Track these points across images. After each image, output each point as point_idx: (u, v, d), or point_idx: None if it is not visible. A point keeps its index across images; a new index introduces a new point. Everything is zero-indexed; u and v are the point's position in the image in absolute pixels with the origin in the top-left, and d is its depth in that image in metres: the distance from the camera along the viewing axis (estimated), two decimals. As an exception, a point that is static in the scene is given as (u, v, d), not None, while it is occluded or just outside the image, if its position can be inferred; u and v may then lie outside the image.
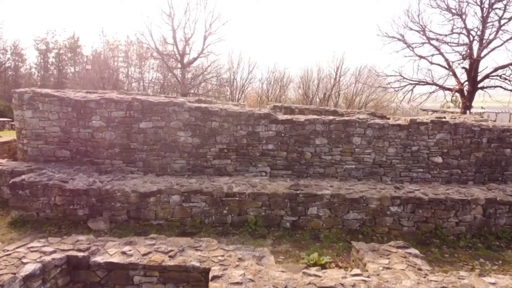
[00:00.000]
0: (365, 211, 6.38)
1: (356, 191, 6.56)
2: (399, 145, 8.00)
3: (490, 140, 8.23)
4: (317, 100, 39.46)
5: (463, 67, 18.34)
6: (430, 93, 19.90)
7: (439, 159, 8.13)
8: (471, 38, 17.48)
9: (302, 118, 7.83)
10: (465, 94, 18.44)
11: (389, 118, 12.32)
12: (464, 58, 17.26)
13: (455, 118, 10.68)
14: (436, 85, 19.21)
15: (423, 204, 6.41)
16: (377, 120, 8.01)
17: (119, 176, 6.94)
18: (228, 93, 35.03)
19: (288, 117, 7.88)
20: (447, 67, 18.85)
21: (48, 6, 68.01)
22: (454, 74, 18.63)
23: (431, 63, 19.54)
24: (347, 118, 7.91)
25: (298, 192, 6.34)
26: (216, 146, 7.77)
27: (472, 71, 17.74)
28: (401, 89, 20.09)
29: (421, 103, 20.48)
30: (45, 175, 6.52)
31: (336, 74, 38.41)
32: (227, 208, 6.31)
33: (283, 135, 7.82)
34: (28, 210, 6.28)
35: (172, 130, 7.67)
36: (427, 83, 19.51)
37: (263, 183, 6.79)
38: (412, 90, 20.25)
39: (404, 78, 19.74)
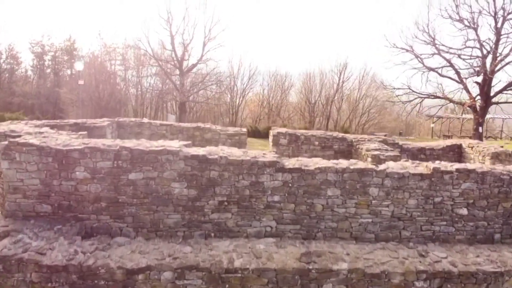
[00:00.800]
0: (386, 287, 5.55)
1: (376, 262, 5.73)
2: (421, 196, 7.15)
3: (521, 188, 7.39)
4: (320, 105, 38.62)
5: (475, 82, 17.47)
6: (440, 107, 19.05)
7: (464, 211, 7.28)
8: (485, 52, 16.59)
9: (312, 166, 6.97)
10: (478, 109, 17.58)
11: (401, 145, 11.49)
12: (477, 74, 16.35)
13: (472, 146, 9.83)
14: (447, 99, 18.35)
15: (452, 278, 5.58)
16: (397, 169, 7.13)
17: (104, 243, 6.06)
18: (228, 99, 34.17)
19: (296, 165, 7.02)
20: (458, 80, 17.98)
21: (44, 10, 66.96)
22: (466, 89, 17.76)
23: (441, 75, 18.66)
24: (363, 166, 7.04)
25: (310, 267, 5.49)
26: (215, 198, 6.92)
27: (485, 86, 16.87)
28: (410, 102, 19.25)
29: (431, 118, 19.62)
30: (20, 244, 5.69)
31: (339, 79, 37.52)
32: (227, 286, 5.47)
33: (290, 185, 6.97)
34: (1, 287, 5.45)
35: (166, 181, 6.82)
36: (437, 97, 18.66)
37: (269, 251, 5.95)
38: (420, 103, 19.41)
39: (413, 91, 18.88)
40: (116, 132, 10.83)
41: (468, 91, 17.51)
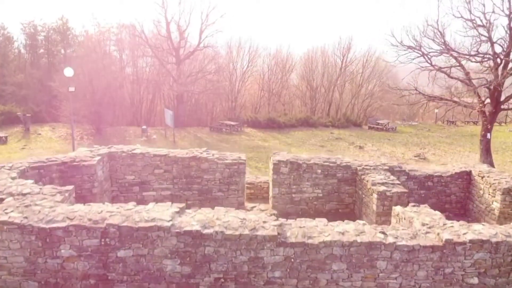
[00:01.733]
0: None
1: None
2: (431, 268, 6.69)
3: (538, 257, 6.91)
4: (322, 89, 37.63)
5: (485, 85, 16.64)
6: (447, 110, 18.30)
7: (475, 280, 6.85)
8: (497, 59, 15.64)
9: (316, 240, 6.46)
10: (487, 115, 16.86)
11: (408, 173, 10.96)
12: (490, 84, 15.48)
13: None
14: (455, 102, 17.56)
15: None
16: (406, 242, 6.61)
17: None
18: (227, 85, 33.16)
19: (299, 236, 6.51)
20: (467, 82, 17.12)
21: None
22: (475, 92, 16.93)
23: (450, 76, 17.80)
24: (371, 239, 6.51)
25: None
26: (211, 275, 6.46)
27: (495, 92, 16.06)
28: (416, 104, 18.49)
29: (439, 119, 18.86)
30: None
31: (342, 63, 36.34)
32: None
33: (292, 260, 6.49)
34: None
35: (157, 258, 6.34)
36: (444, 99, 17.87)
37: None
38: (427, 103, 18.65)
39: (419, 93, 18.06)
40: (108, 165, 10.25)
41: (478, 95, 16.72)
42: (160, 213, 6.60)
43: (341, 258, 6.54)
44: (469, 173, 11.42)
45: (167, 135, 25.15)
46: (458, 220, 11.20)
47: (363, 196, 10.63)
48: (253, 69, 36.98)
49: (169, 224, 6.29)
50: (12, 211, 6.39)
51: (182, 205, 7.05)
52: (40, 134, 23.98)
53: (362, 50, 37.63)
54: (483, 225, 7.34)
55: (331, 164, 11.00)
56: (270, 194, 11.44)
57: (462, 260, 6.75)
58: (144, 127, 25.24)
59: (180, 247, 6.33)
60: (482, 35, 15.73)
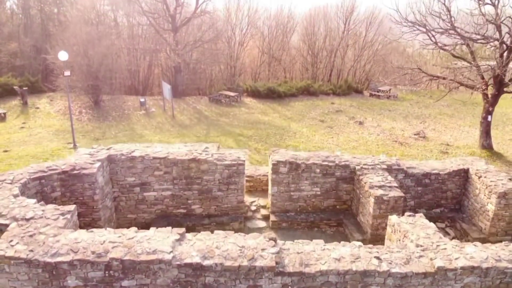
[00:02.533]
0: None
1: None
2: (420, 280, 6.98)
3: (525, 281, 7.17)
4: (324, 52, 36.73)
5: (488, 65, 16.29)
6: (449, 90, 18.02)
7: (465, 300, 7.17)
8: (503, 44, 15.16)
9: (313, 268, 6.68)
10: (489, 97, 16.65)
11: (406, 171, 11.07)
12: (494, 71, 15.12)
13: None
14: (458, 82, 17.26)
15: None
16: (399, 269, 6.83)
17: None
18: (226, 51, 32.30)
19: (297, 264, 6.73)
20: (472, 62, 16.73)
21: None
22: (479, 72, 16.60)
23: (453, 55, 17.38)
24: (365, 267, 6.73)
25: None
26: (212, 300, 6.77)
27: (499, 75, 15.73)
28: (418, 83, 18.19)
29: (437, 100, 18.68)
30: None
31: (345, 25, 35.19)
32: None
33: (290, 287, 6.76)
34: None
35: (160, 285, 6.60)
36: (447, 79, 17.56)
37: None
38: (429, 82, 18.36)
39: (422, 71, 17.69)
40: (108, 168, 10.30)
41: (481, 76, 16.38)
42: (161, 242, 6.78)
43: (337, 285, 6.81)
44: (466, 171, 11.51)
45: (165, 107, 24.96)
46: (452, 218, 11.52)
47: (361, 196, 10.80)
48: (253, 31, 35.88)
49: (170, 256, 6.48)
50: (17, 243, 6.55)
51: (182, 230, 7.21)
52: (38, 108, 23.82)
53: (366, 11, 36.00)
54: (475, 245, 7.54)
55: (330, 164, 11.06)
56: (269, 191, 11.61)
57: (452, 284, 7.03)
58: (142, 100, 24.98)
59: (181, 277, 6.58)
60: (488, 19, 15.17)
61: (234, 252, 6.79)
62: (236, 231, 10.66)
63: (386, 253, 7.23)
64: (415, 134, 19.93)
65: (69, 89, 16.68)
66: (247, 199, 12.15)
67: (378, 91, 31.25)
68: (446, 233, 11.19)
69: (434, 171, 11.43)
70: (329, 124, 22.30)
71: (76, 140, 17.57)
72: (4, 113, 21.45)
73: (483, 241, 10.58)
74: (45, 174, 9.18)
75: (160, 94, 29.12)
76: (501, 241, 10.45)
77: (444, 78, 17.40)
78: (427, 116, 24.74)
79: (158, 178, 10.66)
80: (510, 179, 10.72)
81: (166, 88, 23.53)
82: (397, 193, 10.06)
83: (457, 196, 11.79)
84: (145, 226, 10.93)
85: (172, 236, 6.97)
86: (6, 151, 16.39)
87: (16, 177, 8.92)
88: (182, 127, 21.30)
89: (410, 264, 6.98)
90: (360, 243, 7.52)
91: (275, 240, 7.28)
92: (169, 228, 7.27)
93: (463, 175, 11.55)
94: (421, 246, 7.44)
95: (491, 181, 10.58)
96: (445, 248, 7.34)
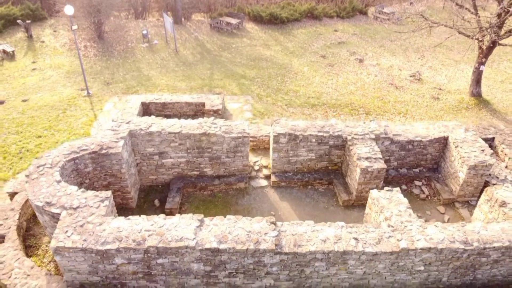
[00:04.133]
0: None
1: None
2: (388, 263, 9.01)
3: (470, 254, 9.13)
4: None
5: (487, 18, 16.49)
6: (447, 38, 18.30)
7: (421, 268, 9.25)
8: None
9: (304, 249, 8.60)
10: (483, 48, 17.12)
11: (391, 139, 12.51)
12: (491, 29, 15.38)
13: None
14: (459, 31, 17.52)
15: None
16: (371, 249, 8.73)
17: None
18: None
19: (292, 245, 8.63)
20: (473, 11, 16.85)
21: None
22: (478, 22, 16.81)
23: (456, 3, 17.37)
24: (345, 248, 8.62)
25: None
26: (226, 270, 8.84)
27: (495, 26, 16.02)
28: (419, 30, 18.40)
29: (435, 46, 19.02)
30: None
31: None
32: None
33: (286, 261, 8.77)
34: None
35: (186, 262, 8.62)
36: (447, 26, 17.76)
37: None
38: (430, 29, 18.58)
39: (424, 18, 17.82)
40: (130, 142, 11.70)
41: (480, 27, 16.59)
42: (185, 229, 8.59)
43: (322, 260, 8.80)
44: (446, 138, 12.91)
45: (168, 39, 25.10)
46: (429, 177, 13.17)
47: (349, 163, 12.40)
48: None
49: (193, 243, 8.35)
50: (72, 233, 8.38)
51: (201, 216, 8.98)
52: (43, 42, 24.07)
53: None
54: (436, 226, 9.37)
55: (324, 134, 12.44)
56: (271, 156, 13.17)
57: (413, 258, 9.01)
58: (144, 32, 24.99)
59: (202, 256, 8.54)
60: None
61: (243, 236, 8.65)
62: (242, 190, 12.64)
63: (363, 233, 9.09)
64: (410, 76, 20.71)
65: (73, 21, 16.81)
66: (251, 158, 13.79)
67: (381, 13, 30.65)
68: (421, 191, 13.07)
69: (417, 138, 12.83)
70: (330, 61, 22.84)
71: (88, 85, 18.52)
72: (13, 51, 21.90)
73: (452, 201, 12.60)
74: (78, 155, 10.66)
75: (160, 16, 28.78)
76: (467, 201, 12.48)
77: (445, 25, 17.59)
78: (426, 49, 25.01)
79: (173, 148, 12.14)
80: (482, 150, 12.21)
81: (168, 21, 23.46)
82: (381, 165, 11.64)
83: (436, 158, 13.38)
84: (164, 184, 12.83)
85: (193, 223, 8.77)
86: (24, 100, 17.53)
87: (54, 160, 10.42)
88: (186, 66, 21.94)
89: (381, 244, 8.89)
90: (343, 223, 9.33)
91: (275, 224, 9.11)
92: (191, 214, 9.02)
93: (443, 142, 12.98)
94: (392, 227, 9.28)
95: (465, 152, 12.08)
96: (410, 229, 9.18)
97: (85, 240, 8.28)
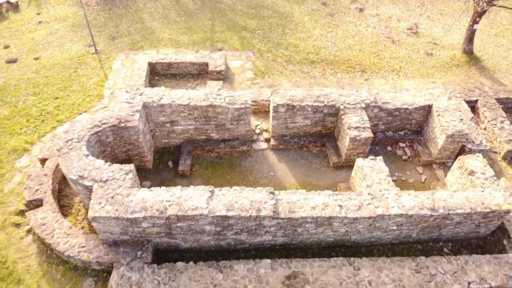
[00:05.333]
0: None
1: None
2: (367, 224, 10.90)
3: (436, 218, 10.97)
4: None
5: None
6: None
7: (394, 227, 11.17)
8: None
9: (297, 215, 10.42)
10: (479, 10, 17.49)
11: (380, 107, 13.82)
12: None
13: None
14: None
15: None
16: (352, 214, 10.56)
17: (171, 272, 10.41)
18: None
19: (286, 215, 10.43)
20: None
21: None
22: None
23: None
24: (331, 214, 10.43)
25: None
26: (232, 230, 10.77)
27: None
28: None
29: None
30: (125, 279, 10.11)
31: None
32: None
33: (281, 224, 10.65)
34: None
35: (201, 225, 10.51)
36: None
37: (267, 272, 10.36)
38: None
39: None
40: (144, 112, 12.99)
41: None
42: (199, 199, 10.33)
43: (311, 223, 10.67)
44: (430, 106, 14.16)
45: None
46: (412, 139, 14.65)
47: (341, 129, 13.82)
48: None
49: (206, 211, 10.14)
50: (105, 204, 10.13)
51: (211, 188, 10.68)
52: (43, -13, 23.92)
53: None
54: (409, 194, 11.09)
55: (319, 104, 13.68)
56: (270, 122, 14.53)
57: (387, 221, 10.88)
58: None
59: (214, 221, 10.39)
60: None
61: (246, 205, 10.43)
62: (244, 152, 14.26)
63: (346, 200, 10.86)
64: (408, 29, 21.14)
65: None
66: (252, 122, 15.17)
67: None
68: (404, 152, 14.67)
69: (404, 106, 14.08)
70: (331, 10, 22.97)
71: (95, 40, 19.17)
72: (17, 2, 22.01)
73: (430, 162, 14.25)
74: (99, 129, 12.06)
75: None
76: (444, 163, 14.11)
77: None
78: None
79: (183, 118, 13.48)
80: (461, 119, 13.55)
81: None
82: (368, 134, 13.07)
83: (420, 122, 14.75)
84: (176, 146, 14.39)
85: (205, 194, 10.49)
86: (36, 58, 18.38)
87: (80, 134, 11.83)
88: (187, 15, 22.19)
89: (361, 210, 10.70)
90: (330, 192, 11.05)
91: (273, 193, 10.84)
92: (203, 186, 10.70)
93: (427, 109, 14.26)
94: (371, 195, 11.03)
95: (445, 121, 13.43)
96: (387, 197, 10.94)
97: (116, 210, 10.07)
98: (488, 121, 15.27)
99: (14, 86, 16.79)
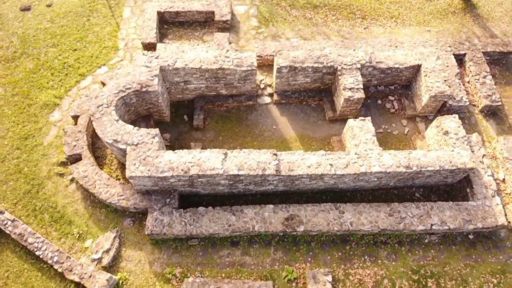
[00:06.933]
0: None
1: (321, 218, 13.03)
2: (352, 178, 13.27)
3: (409, 173, 13.28)
4: None
5: None
6: None
7: (375, 179, 13.57)
8: None
9: (295, 173, 12.72)
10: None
11: (374, 66, 15.39)
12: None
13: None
14: None
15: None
16: (340, 171, 12.84)
17: (194, 215, 13.07)
18: None
19: (287, 169, 12.74)
20: None
21: None
22: None
23: None
24: (322, 172, 12.72)
25: (288, 229, 12.94)
26: (242, 183, 13.19)
27: None
28: None
29: None
30: (158, 222, 12.84)
31: None
32: (252, 238, 13.11)
33: (282, 179, 13.01)
34: (156, 234, 13.12)
35: (217, 180, 12.89)
36: None
37: (270, 215, 13.07)
38: None
39: None
40: (161, 75, 14.48)
41: None
42: (215, 161, 12.54)
43: (307, 178, 13.04)
44: (419, 66, 15.57)
45: None
46: (400, 94, 16.39)
47: (337, 88, 15.45)
48: None
49: (221, 171, 12.42)
50: (139, 165, 12.37)
51: (225, 151, 12.81)
52: None
53: None
54: (389, 154, 13.26)
55: (319, 65, 15.08)
56: (274, 79, 16.05)
57: (369, 176, 13.21)
58: None
59: (227, 178, 12.74)
60: None
61: (254, 165, 12.69)
62: (250, 106, 16.14)
63: (336, 159, 13.08)
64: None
65: None
66: (257, 77, 16.67)
67: None
68: (392, 106, 16.48)
69: (395, 66, 15.47)
70: None
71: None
72: None
73: (414, 116, 16.17)
74: (124, 94, 13.74)
75: None
76: (426, 116, 16.04)
77: None
78: None
79: (195, 78, 15.02)
80: (445, 80, 15.10)
81: None
82: (361, 94, 14.76)
83: (409, 78, 16.27)
84: (189, 101, 16.18)
85: (220, 156, 12.66)
86: (49, 5, 19.02)
87: (108, 100, 13.55)
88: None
89: (348, 168, 12.97)
90: (323, 152, 13.22)
91: (276, 155, 13.01)
92: (218, 149, 12.81)
93: (416, 68, 15.68)
94: (358, 154, 13.20)
95: (430, 82, 15.00)
96: (370, 157, 13.14)
97: (148, 170, 12.36)
98: (472, 75, 16.76)
99: (33, 37, 17.85)
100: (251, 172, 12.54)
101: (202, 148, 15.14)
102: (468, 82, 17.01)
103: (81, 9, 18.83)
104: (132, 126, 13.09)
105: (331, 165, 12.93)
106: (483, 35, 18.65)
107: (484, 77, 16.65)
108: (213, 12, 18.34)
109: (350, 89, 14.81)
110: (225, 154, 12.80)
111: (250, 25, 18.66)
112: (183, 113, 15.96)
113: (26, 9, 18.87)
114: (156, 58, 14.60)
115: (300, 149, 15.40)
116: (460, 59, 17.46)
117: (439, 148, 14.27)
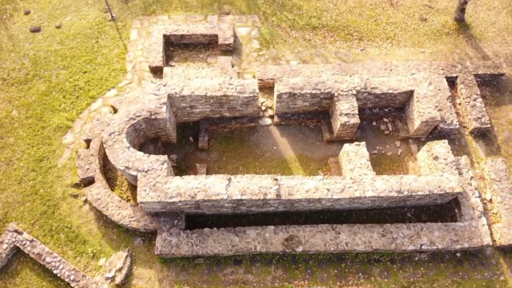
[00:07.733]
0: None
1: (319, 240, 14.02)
2: (347, 201, 14.24)
3: (401, 197, 14.24)
4: None
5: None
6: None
7: (369, 202, 14.54)
8: None
9: (294, 197, 13.67)
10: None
11: (369, 92, 16.23)
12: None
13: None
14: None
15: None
16: (337, 196, 13.79)
17: (200, 236, 14.06)
18: None
19: (286, 197, 13.65)
20: None
21: None
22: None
23: None
24: (320, 196, 13.69)
25: (288, 250, 13.93)
26: (245, 206, 14.16)
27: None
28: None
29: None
30: (167, 242, 13.83)
31: None
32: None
33: (282, 202, 13.97)
34: (165, 253, 14.12)
35: (221, 204, 13.85)
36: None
37: (271, 236, 14.05)
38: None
39: None
40: (168, 102, 15.37)
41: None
42: (219, 186, 13.50)
43: (305, 201, 14.00)
44: (412, 92, 16.45)
45: None
46: (394, 116, 17.28)
47: (334, 112, 16.34)
48: None
49: (225, 196, 13.37)
50: (149, 191, 13.33)
51: (229, 177, 13.76)
52: None
53: None
54: (382, 179, 14.20)
55: (317, 92, 15.98)
56: (274, 103, 16.93)
57: (363, 200, 14.17)
58: None
59: (231, 202, 13.70)
60: None
61: (256, 190, 13.63)
62: (252, 127, 17.04)
63: (333, 184, 14.02)
64: (407, -11, 21.92)
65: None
66: (260, 99, 17.56)
67: None
68: (386, 128, 17.39)
69: (389, 91, 16.35)
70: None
71: (109, 3, 20.33)
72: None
73: (407, 138, 17.09)
74: (135, 121, 14.65)
75: None
76: (418, 138, 16.96)
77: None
78: None
79: (200, 104, 15.91)
80: (436, 106, 15.99)
81: None
82: (356, 119, 15.66)
83: (403, 102, 17.16)
84: (195, 123, 17.08)
85: (224, 182, 13.61)
86: (58, 27, 19.84)
87: (119, 127, 14.46)
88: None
89: (343, 192, 13.92)
90: (321, 176, 14.16)
91: (276, 180, 13.95)
92: (222, 175, 13.75)
93: (409, 93, 16.56)
94: (353, 179, 14.15)
95: (422, 108, 15.90)
96: (364, 182, 14.08)
97: (158, 196, 13.31)
98: (464, 98, 17.63)
99: (44, 59, 18.71)
100: (253, 197, 13.49)
101: (207, 169, 16.10)
102: (459, 104, 17.88)
103: (90, 31, 19.66)
104: (142, 153, 14.02)
105: (328, 189, 13.87)
106: (475, 56, 19.49)
107: (475, 99, 17.53)
108: (216, 35, 19.17)
109: (346, 114, 15.71)
110: (229, 179, 13.74)
111: (252, 47, 19.49)
112: (189, 135, 16.88)
113: (36, 30, 19.70)
114: (164, 85, 15.49)
115: (299, 169, 16.35)
116: (452, 81, 18.31)
117: (429, 171, 15.21)
